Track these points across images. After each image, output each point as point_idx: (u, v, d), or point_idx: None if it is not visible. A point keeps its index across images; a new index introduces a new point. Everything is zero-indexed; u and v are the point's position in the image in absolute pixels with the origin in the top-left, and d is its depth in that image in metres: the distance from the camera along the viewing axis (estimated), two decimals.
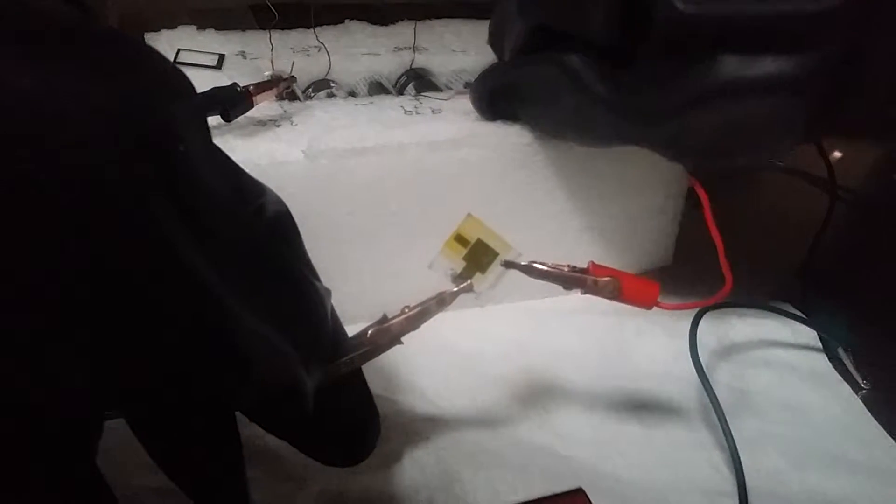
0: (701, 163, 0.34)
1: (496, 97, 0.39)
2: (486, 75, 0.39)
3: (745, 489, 0.33)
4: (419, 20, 0.53)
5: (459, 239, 0.28)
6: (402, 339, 0.27)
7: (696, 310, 0.40)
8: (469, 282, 0.28)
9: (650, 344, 0.41)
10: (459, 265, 0.28)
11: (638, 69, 0.32)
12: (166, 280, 0.17)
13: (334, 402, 0.24)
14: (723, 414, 0.35)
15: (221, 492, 0.22)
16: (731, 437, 0.34)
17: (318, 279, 0.23)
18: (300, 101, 0.43)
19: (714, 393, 0.36)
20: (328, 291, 0.23)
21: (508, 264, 0.28)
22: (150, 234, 0.16)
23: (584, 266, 0.30)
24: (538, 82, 0.36)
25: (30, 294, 0.15)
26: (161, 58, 0.18)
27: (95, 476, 0.20)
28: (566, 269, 0.30)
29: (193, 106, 0.19)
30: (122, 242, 0.16)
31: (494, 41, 0.41)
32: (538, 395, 0.37)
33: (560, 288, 0.43)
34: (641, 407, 0.37)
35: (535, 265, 0.29)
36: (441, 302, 0.27)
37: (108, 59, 0.17)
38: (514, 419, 0.36)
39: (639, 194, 0.42)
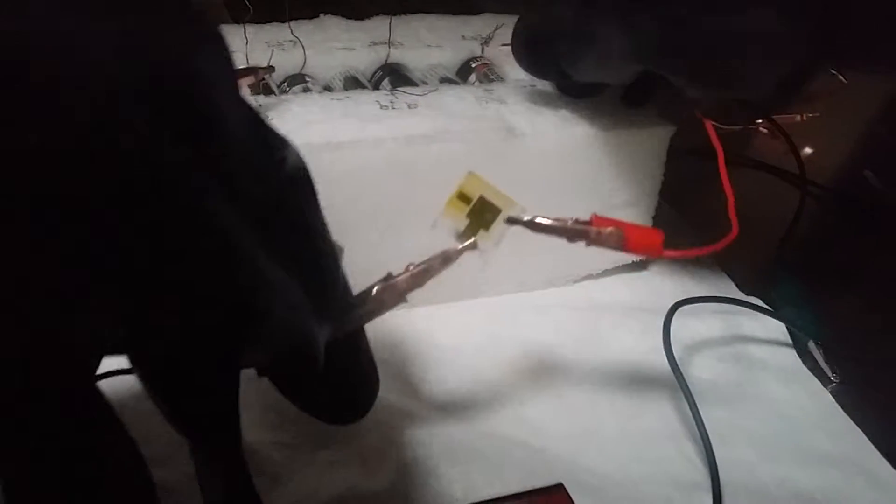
0: (701, 88, 0.35)
1: (530, 44, 0.39)
2: (518, 25, 0.40)
3: (719, 481, 0.33)
4: (394, 15, 0.53)
5: (462, 197, 0.28)
6: (407, 297, 0.26)
7: (670, 306, 0.40)
8: (473, 239, 0.28)
9: (624, 338, 0.42)
10: (463, 223, 0.28)
11: None
12: (192, 230, 0.17)
13: (341, 358, 0.24)
14: (696, 407, 0.36)
15: (216, 436, 0.22)
16: (705, 429, 0.35)
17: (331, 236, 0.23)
18: (275, 95, 0.43)
19: (687, 386, 0.36)
20: (341, 248, 0.23)
21: (512, 220, 0.28)
22: (172, 187, 0.16)
23: (587, 219, 0.30)
24: (562, 19, 0.37)
25: (48, 250, 0.15)
26: None
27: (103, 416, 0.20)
28: (569, 221, 0.30)
29: (221, 47, 0.18)
30: (142, 195, 0.16)
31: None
32: (514, 388, 0.38)
33: (535, 282, 0.44)
34: (616, 400, 0.38)
35: (539, 220, 0.29)
36: (446, 259, 0.27)
37: None
38: (490, 413, 0.36)
39: (614, 189, 0.42)
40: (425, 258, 0.27)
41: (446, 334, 0.40)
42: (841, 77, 0.59)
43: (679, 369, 0.37)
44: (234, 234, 0.18)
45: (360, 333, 0.26)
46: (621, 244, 0.30)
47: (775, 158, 0.57)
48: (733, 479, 0.34)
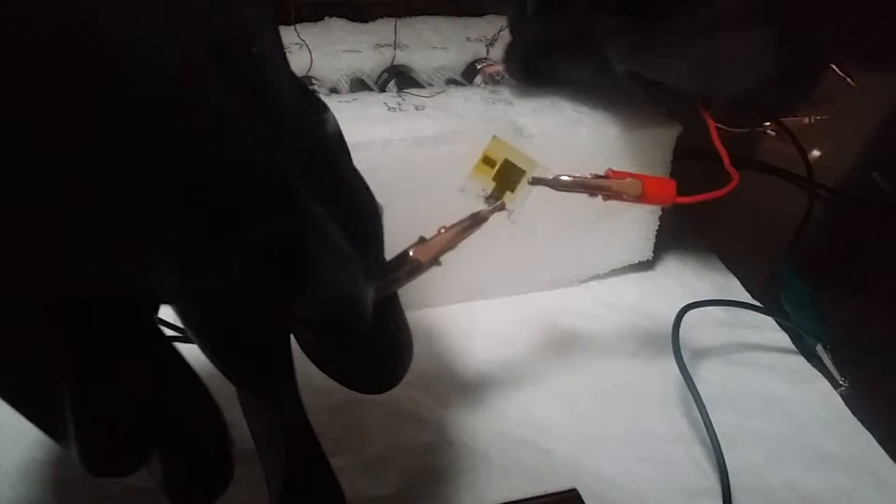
0: (694, 92, 0.38)
1: (527, 59, 0.41)
2: (512, 43, 0.42)
3: (729, 486, 0.33)
4: (399, 17, 0.53)
5: (487, 161, 0.29)
6: (440, 259, 0.27)
7: (677, 306, 0.40)
8: (501, 201, 0.28)
9: (632, 339, 0.42)
10: (490, 186, 0.29)
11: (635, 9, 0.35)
12: (248, 172, 0.17)
13: (379, 321, 0.24)
14: (705, 410, 0.35)
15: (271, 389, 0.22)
16: (715, 433, 0.34)
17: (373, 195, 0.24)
18: None
19: (696, 389, 0.36)
20: (381, 207, 0.23)
21: (536, 181, 0.29)
22: (228, 128, 0.17)
23: (603, 173, 0.32)
24: (560, 32, 0.39)
25: (106, 192, 0.16)
26: None
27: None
28: (589, 176, 0.31)
29: (267, 11, 0.19)
30: (200, 135, 0.16)
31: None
32: (521, 390, 0.38)
33: (542, 283, 0.44)
34: (623, 403, 0.38)
35: (561, 177, 0.30)
36: (477, 221, 0.27)
37: None
38: (497, 415, 0.36)
39: None
40: (456, 220, 0.27)
41: (454, 336, 0.40)
42: (849, 80, 0.59)
43: (688, 372, 0.37)
44: (291, 182, 0.18)
45: (395, 298, 0.26)
46: (640, 195, 0.32)
47: (783, 161, 0.56)
48: (742, 483, 0.34)
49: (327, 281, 0.20)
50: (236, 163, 0.17)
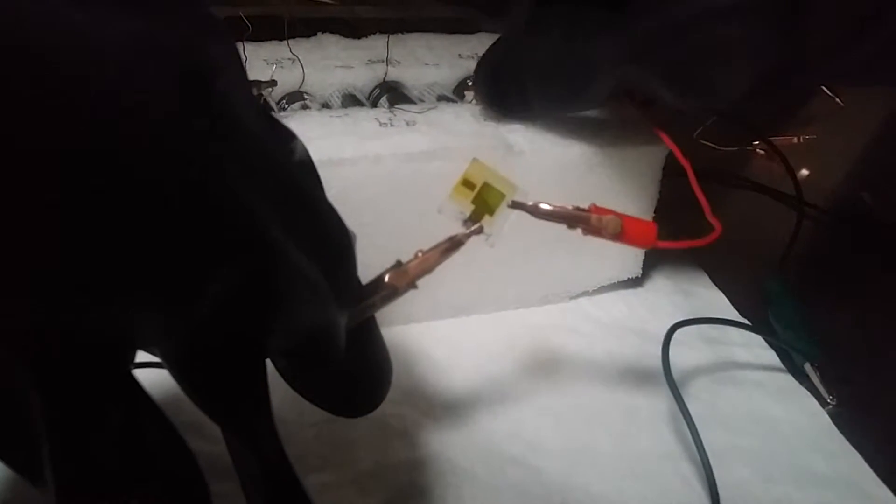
0: (682, 101, 0.36)
1: (497, 79, 0.40)
2: (482, 63, 0.42)
3: (719, 502, 0.33)
4: (391, 34, 0.53)
5: (466, 183, 0.28)
6: (417, 283, 0.27)
7: (666, 324, 0.40)
8: (479, 224, 0.28)
9: (621, 356, 0.42)
10: (468, 208, 0.28)
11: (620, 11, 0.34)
12: (218, 212, 0.17)
13: (356, 346, 0.24)
14: (695, 426, 0.35)
15: (248, 423, 0.22)
16: (704, 450, 0.34)
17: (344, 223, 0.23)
18: (274, 112, 0.43)
19: (686, 406, 0.36)
20: (354, 235, 0.23)
21: (515, 205, 0.29)
22: (199, 167, 0.17)
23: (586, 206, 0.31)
24: (536, 48, 0.38)
25: (76, 227, 0.16)
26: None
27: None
28: (570, 208, 0.30)
29: (230, 46, 0.19)
30: (172, 176, 0.16)
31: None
32: (510, 406, 0.38)
33: (531, 299, 0.44)
34: (613, 419, 0.38)
35: (541, 205, 0.30)
36: (454, 244, 0.27)
37: None
38: (484, 431, 0.36)
39: (610, 206, 0.42)
40: (433, 244, 0.27)
41: (442, 351, 0.40)
42: (837, 100, 0.59)
43: (678, 389, 0.37)
44: (261, 216, 0.18)
45: (373, 322, 0.26)
46: (619, 232, 0.31)
47: (772, 180, 0.57)
48: (731, 500, 0.34)
49: (299, 312, 0.20)
50: (210, 197, 0.17)
